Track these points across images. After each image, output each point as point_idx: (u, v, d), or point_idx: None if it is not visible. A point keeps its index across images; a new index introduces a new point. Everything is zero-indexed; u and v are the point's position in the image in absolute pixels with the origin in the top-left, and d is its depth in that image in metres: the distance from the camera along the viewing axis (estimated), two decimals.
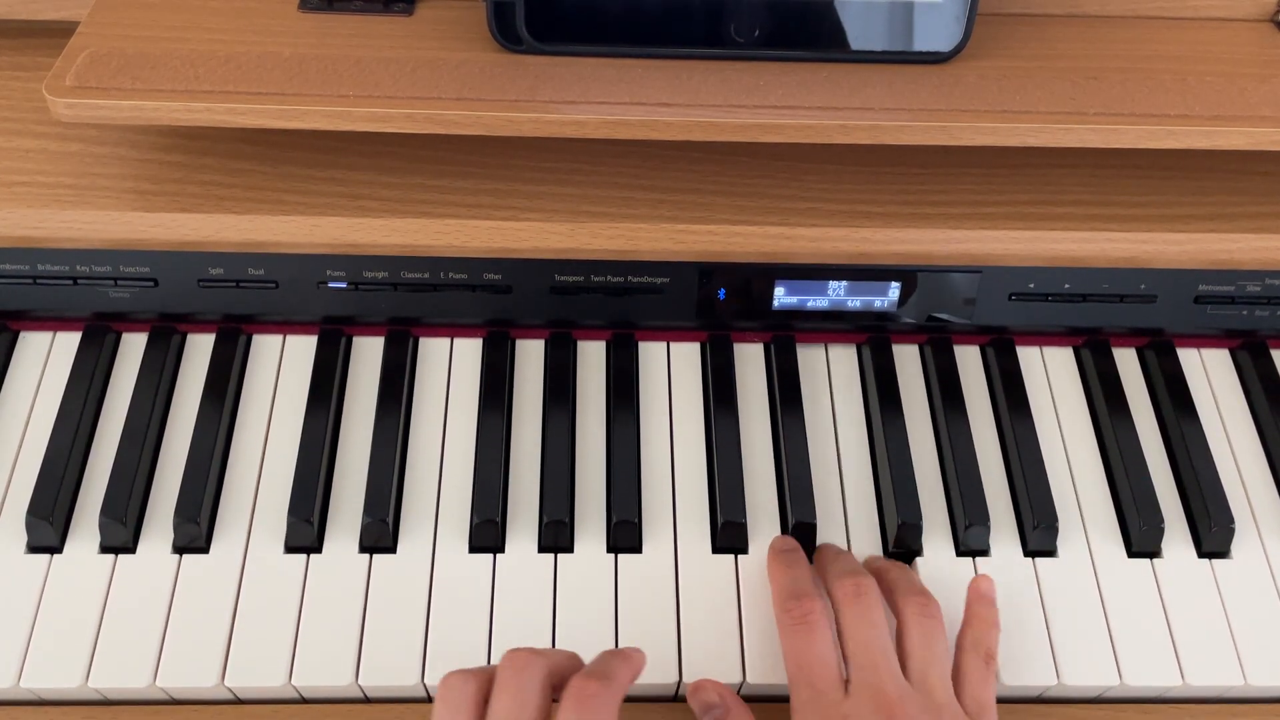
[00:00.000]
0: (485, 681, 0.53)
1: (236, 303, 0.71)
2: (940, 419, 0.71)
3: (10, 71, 0.74)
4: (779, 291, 0.71)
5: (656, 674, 0.61)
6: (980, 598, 0.63)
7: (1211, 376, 0.75)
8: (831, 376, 0.73)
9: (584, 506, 0.67)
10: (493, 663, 0.58)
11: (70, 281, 0.69)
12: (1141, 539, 0.66)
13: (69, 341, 0.72)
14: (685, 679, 0.61)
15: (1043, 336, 0.75)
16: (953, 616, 0.62)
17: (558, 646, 0.61)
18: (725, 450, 0.68)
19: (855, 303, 0.72)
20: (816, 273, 0.70)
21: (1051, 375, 0.74)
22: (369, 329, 0.73)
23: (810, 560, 0.64)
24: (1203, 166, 0.72)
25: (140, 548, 0.64)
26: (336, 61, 0.64)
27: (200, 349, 0.72)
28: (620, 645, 0.61)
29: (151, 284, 0.70)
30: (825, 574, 0.62)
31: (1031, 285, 0.71)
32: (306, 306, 0.71)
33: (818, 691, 0.56)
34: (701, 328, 0.74)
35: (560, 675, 0.54)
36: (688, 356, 0.74)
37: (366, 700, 0.62)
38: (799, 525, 0.65)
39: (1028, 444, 0.70)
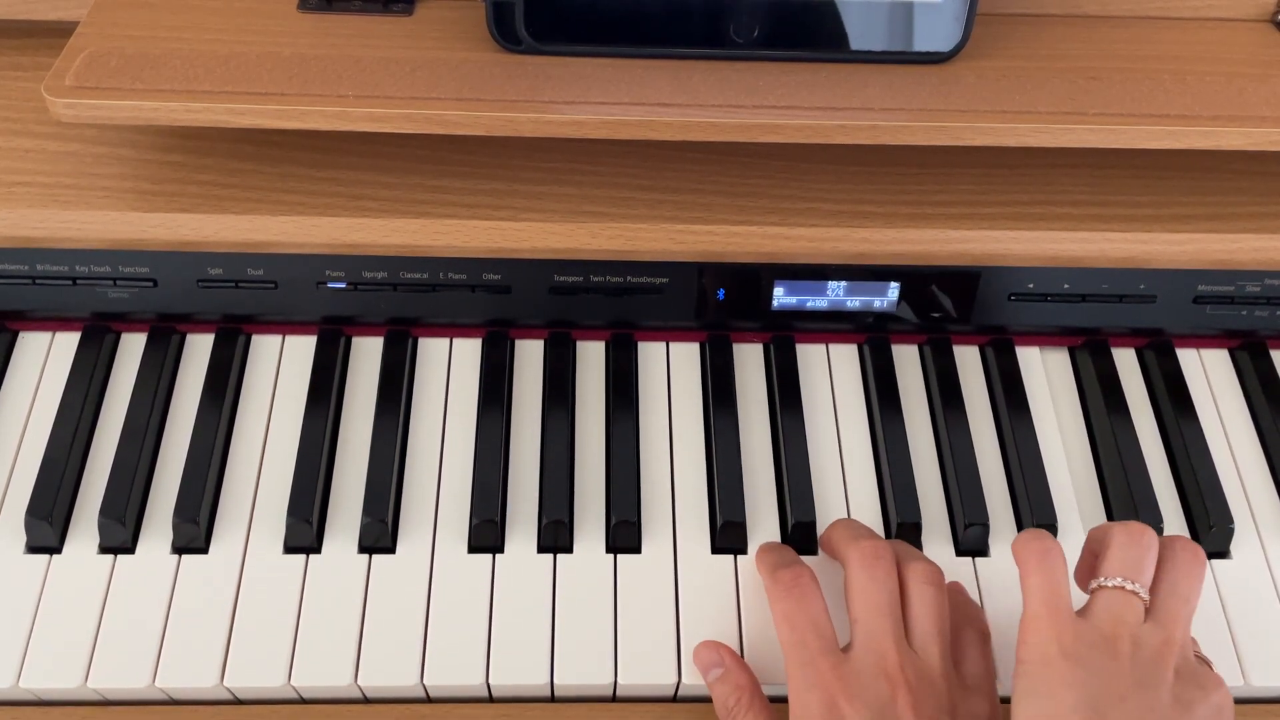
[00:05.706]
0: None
1: (236, 303, 0.71)
2: (939, 419, 0.71)
3: (10, 71, 0.74)
4: (778, 291, 0.71)
5: (656, 674, 0.61)
6: (960, 589, 0.63)
7: (1211, 377, 0.75)
8: (831, 376, 0.73)
9: (583, 507, 0.67)
10: (495, 659, 0.59)
11: (69, 282, 0.69)
12: None
13: (68, 342, 0.72)
14: (685, 679, 0.61)
15: (1042, 337, 0.75)
16: None
17: (557, 647, 0.61)
18: (725, 450, 0.68)
19: (854, 303, 0.72)
20: (816, 273, 0.70)
21: (1051, 375, 0.74)
22: (368, 329, 0.73)
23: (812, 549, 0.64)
24: (1203, 166, 0.72)
25: (139, 548, 0.64)
26: (336, 61, 0.64)
27: (199, 349, 0.72)
28: (619, 644, 0.61)
29: (151, 284, 0.70)
30: (840, 538, 0.61)
31: (1031, 285, 0.71)
32: (306, 307, 0.71)
33: (813, 652, 0.56)
34: (701, 328, 0.74)
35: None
36: (687, 356, 0.74)
37: (366, 700, 0.62)
38: (798, 525, 0.65)
39: (1027, 444, 0.70)
